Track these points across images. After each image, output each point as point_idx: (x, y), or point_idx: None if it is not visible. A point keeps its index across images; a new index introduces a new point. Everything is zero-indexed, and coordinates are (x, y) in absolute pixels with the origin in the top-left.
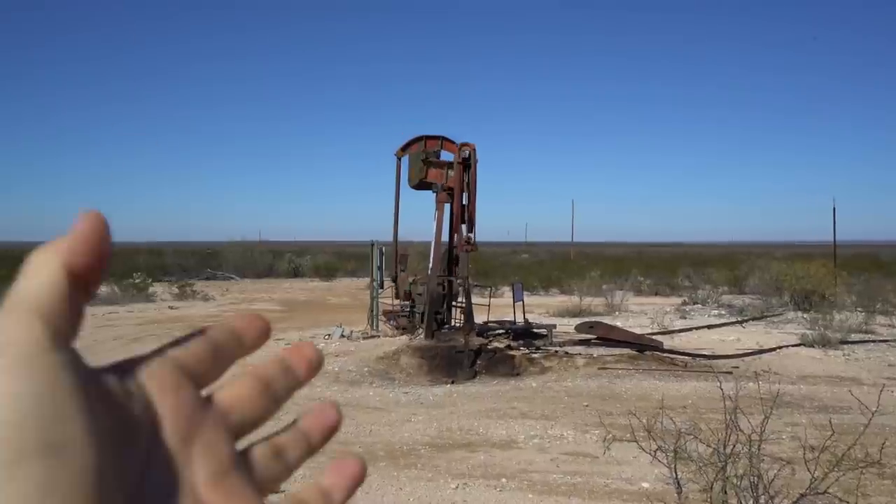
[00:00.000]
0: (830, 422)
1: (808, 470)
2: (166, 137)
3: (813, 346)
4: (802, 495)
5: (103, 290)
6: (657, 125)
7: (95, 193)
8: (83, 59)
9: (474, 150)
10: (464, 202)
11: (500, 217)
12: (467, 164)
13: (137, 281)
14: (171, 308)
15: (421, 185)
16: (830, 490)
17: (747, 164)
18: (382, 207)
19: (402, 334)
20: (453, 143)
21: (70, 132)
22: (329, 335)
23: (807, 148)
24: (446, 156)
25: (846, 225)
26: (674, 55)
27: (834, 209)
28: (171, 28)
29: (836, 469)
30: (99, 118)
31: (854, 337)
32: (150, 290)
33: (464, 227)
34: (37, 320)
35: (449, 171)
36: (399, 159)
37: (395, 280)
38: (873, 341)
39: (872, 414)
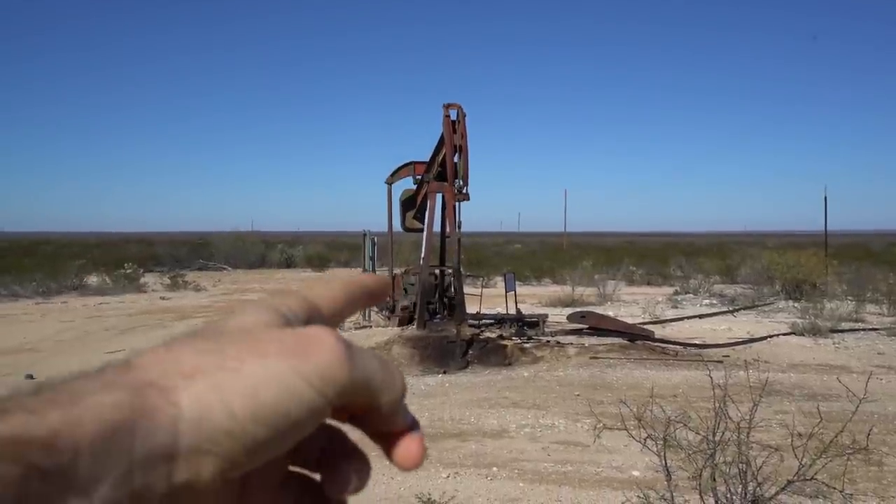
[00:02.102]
0: (819, 409)
1: (796, 457)
2: (158, 127)
3: (803, 335)
4: (790, 482)
5: (94, 280)
6: (650, 115)
7: (87, 183)
8: (74, 48)
9: (460, 107)
10: (455, 160)
11: (492, 207)
12: (455, 124)
13: (129, 271)
14: (162, 298)
15: (409, 206)
16: (818, 476)
17: (740, 153)
18: (375, 197)
19: (393, 325)
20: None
21: (61, 122)
22: None
23: (799, 137)
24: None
25: (838, 214)
26: (666, 44)
27: (825, 198)
28: (163, 16)
29: (823, 456)
30: (89, 107)
31: (844, 325)
32: (142, 280)
33: (458, 181)
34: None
35: (437, 158)
36: (390, 186)
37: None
38: (863, 329)
39: (860, 401)
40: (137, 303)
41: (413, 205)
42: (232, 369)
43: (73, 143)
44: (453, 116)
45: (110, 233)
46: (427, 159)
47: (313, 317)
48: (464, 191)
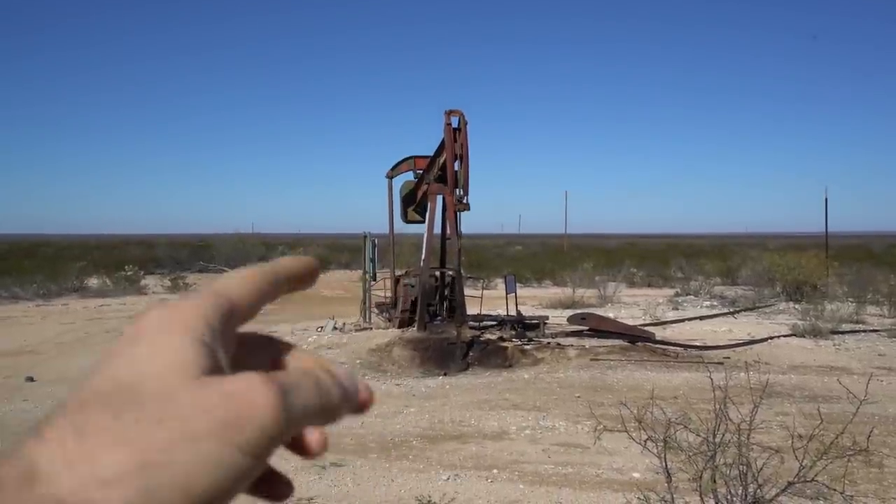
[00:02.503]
0: (819, 411)
1: (797, 458)
2: (158, 128)
3: (804, 337)
4: (791, 483)
5: (94, 282)
6: (650, 116)
7: (87, 185)
8: (74, 47)
9: (462, 115)
10: (456, 168)
11: (493, 209)
12: (457, 131)
13: (129, 273)
14: (163, 301)
15: (410, 202)
16: (818, 478)
17: (741, 155)
18: (376, 198)
19: (394, 326)
20: None
21: (60, 123)
22: (321, 327)
23: (800, 139)
24: None
25: (838, 216)
26: (667, 45)
27: (826, 200)
28: (162, 15)
29: (824, 457)
30: (90, 109)
31: (845, 327)
32: (142, 282)
33: (458, 190)
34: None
35: (439, 159)
36: (390, 180)
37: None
38: (864, 331)
39: (861, 403)
40: (138, 305)
41: (413, 199)
42: (160, 463)
43: (73, 144)
44: (454, 124)
45: (111, 235)
46: (428, 154)
47: (233, 316)
48: (464, 200)
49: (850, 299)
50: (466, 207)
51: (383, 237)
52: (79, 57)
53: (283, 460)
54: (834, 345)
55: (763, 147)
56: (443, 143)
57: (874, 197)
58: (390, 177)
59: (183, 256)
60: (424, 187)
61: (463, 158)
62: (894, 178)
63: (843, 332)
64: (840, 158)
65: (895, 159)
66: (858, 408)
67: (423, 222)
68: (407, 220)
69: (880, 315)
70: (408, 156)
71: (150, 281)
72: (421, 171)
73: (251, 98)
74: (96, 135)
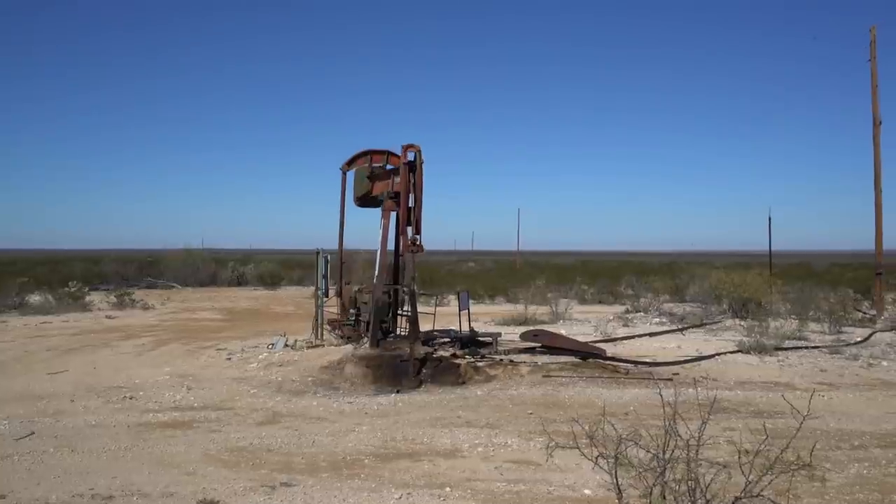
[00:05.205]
0: (765, 426)
1: (744, 473)
2: (106, 141)
3: (749, 353)
4: (738, 498)
5: (36, 299)
6: (601, 137)
7: (28, 198)
8: (26, 54)
9: (419, 151)
10: (410, 204)
11: (446, 226)
12: (413, 167)
13: (73, 290)
14: (108, 317)
15: (366, 202)
16: (764, 493)
17: (689, 176)
18: (328, 215)
19: (346, 343)
20: (399, 157)
21: (2, 133)
22: (272, 345)
23: (745, 160)
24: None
25: (781, 235)
26: (616, 65)
27: (770, 220)
28: (112, 26)
29: (769, 472)
30: (33, 119)
31: (788, 343)
32: (87, 298)
33: (410, 229)
34: None
35: (395, 178)
36: (344, 173)
37: (339, 294)
38: (806, 347)
39: (804, 418)
40: (82, 322)
41: (367, 197)
42: None
43: (17, 156)
44: (410, 157)
45: (56, 250)
46: (383, 148)
47: None
48: (417, 242)
49: (793, 316)
50: (420, 250)
51: (336, 253)
52: (27, 66)
53: (232, 480)
54: (778, 361)
55: (710, 168)
56: (396, 168)
57: (816, 217)
58: (345, 170)
59: (130, 272)
60: (377, 186)
61: (417, 198)
62: (836, 199)
63: (786, 349)
64: (783, 180)
65: (836, 181)
66: (802, 423)
67: (377, 205)
68: (360, 204)
69: (821, 332)
70: (364, 150)
71: (95, 297)
72: (377, 166)
73: (201, 112)
74: (42, 147)
